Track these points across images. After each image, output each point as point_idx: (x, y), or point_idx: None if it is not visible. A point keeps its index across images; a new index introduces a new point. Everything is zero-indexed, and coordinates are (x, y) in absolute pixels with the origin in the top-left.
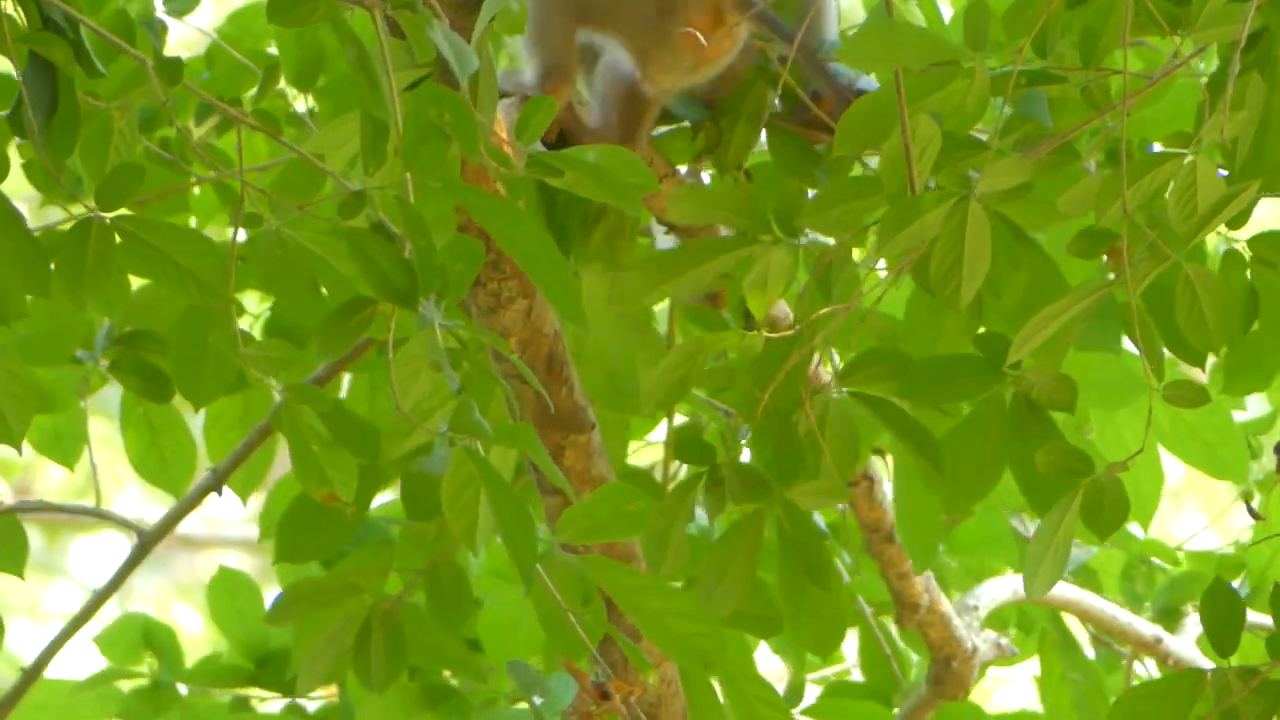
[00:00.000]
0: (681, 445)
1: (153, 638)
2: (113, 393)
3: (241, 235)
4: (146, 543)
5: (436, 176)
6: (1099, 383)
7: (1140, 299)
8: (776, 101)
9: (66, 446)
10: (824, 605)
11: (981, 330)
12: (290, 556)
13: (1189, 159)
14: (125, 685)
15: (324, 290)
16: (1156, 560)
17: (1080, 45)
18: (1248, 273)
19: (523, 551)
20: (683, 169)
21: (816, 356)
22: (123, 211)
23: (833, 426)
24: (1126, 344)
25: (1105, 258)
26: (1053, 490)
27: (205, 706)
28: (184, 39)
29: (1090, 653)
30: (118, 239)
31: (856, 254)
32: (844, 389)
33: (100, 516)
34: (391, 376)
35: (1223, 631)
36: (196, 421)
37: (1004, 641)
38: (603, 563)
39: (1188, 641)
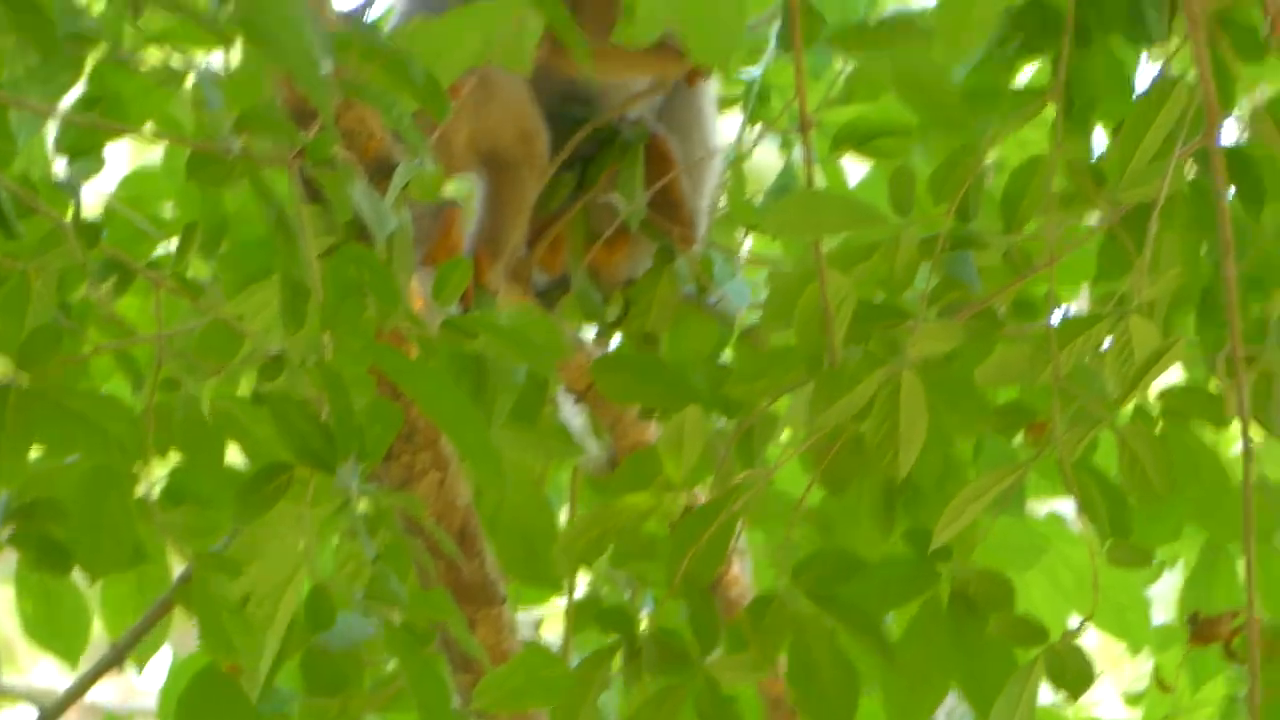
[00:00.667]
0: (599, 613)
1: None
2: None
3: None
4: (48, 716)
5: (355, 337)
6: (1005, 547)
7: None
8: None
9: None
10: None
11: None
12: None
13: (1123, 316)
14: None
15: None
16: None
17: (1002, 208)
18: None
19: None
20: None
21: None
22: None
23: (816, 646)
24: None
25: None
26: (994, 689)
27: None
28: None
29: None
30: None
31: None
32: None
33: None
34: (305, 545)
35: None
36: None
37: None
38: None
39: None
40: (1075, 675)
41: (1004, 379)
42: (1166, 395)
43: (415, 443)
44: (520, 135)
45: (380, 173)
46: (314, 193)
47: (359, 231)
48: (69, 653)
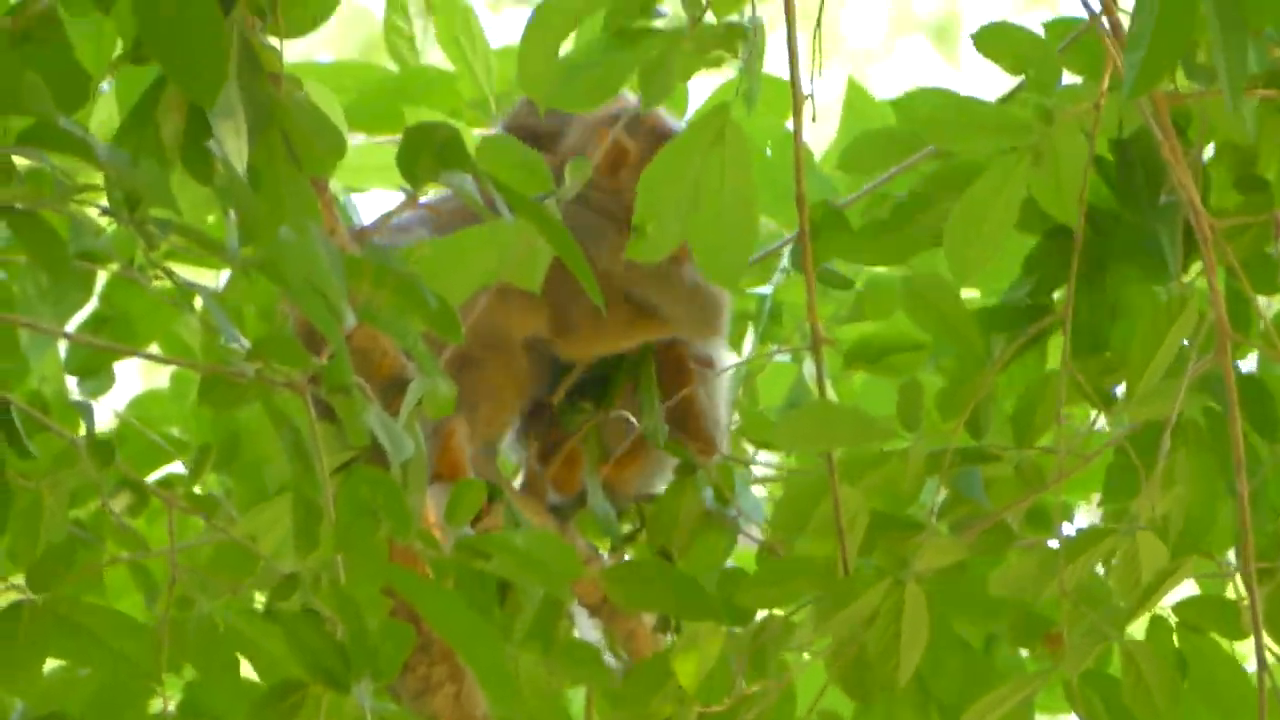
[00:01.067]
0: None
1: None
2: None
3: None
4: None
5: (368, 558)
6: None
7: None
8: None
9: None
10: None
11: None
12: None
13: (1131, 533)
14: None
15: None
16: None
17: (1014, 424)
18: (1174, 638)
19: None
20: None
21: None
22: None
23: None
24: None
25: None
26: None
27: None
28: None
29: None
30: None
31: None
32: None
33: None
34: None
35: None
36: None
37: None
38: None
39: None
40: None
41: (1015, 590)
42: (1182, 607)
43: (431, 655)
44: (487, 343)
45: (393, 390)
46: (327, 410)
47: (372, 450)
48: None
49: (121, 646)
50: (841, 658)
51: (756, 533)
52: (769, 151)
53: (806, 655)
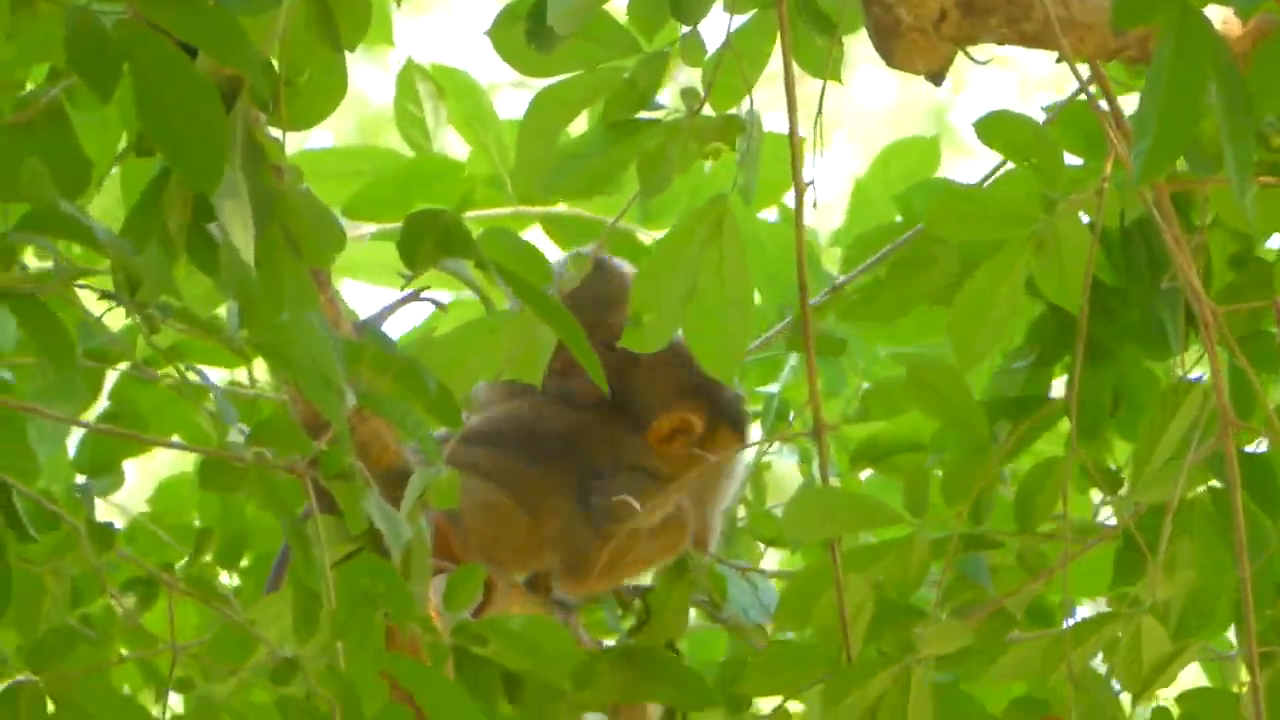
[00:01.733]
0: None
1: None
2: None
3: (174, 701)
4: None
5: (367, 646)
6: None
7: None
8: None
9: None
10: None
11: None
12: None
13: (1134, 618)
14: None
15: None
16: None
17: (1016, 509)
18: None
19: None
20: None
21: None
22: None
23: None
24: None
25: None
26: None
27: None
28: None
29: None
30: (50, 704)
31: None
32: None
33: None
34: None
35: None
36: None
37: None
38: None
39: None
40: None
41: (1018, 675)
42: (1184, 698)
43: None
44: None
45: (394, 482)
46: (329, 502)
47: (375, 539)
48: None
49: None
50: None
51: (757, 627)
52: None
53: None
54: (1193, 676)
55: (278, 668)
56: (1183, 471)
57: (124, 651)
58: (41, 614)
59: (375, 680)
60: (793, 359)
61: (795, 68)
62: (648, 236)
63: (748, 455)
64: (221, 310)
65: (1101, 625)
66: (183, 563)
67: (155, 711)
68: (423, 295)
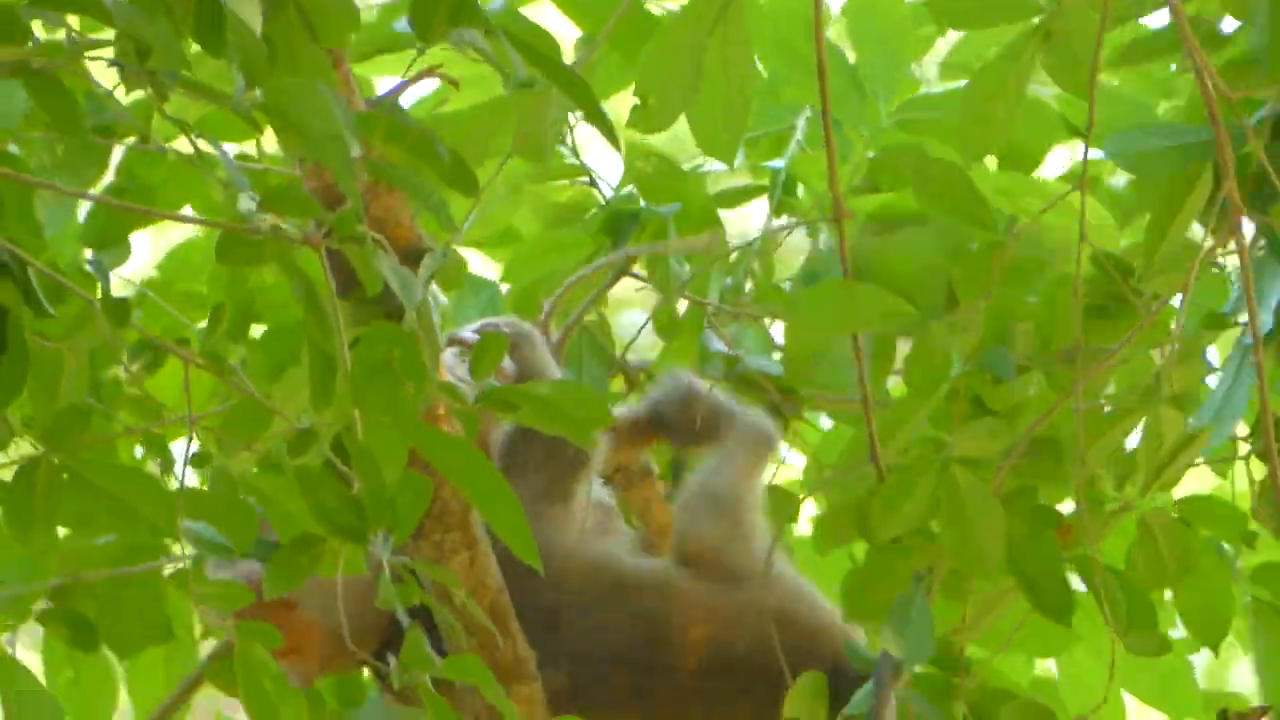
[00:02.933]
0: None
1: None
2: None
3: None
4: None
5: (386, 413)
6: (1036, 633)
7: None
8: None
9: None
10: None
11: None
12: None
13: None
14: None
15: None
16: None
17: (1036, 325)
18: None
19: None
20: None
21: None
22: None
23: None
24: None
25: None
26: None
27: None
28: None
29: None
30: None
31: None
32: None
33: None
34: (342, 614)
35: None
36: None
37: None
38: None
39: None
40: None
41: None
42: (1185, 504)
43: (446, 522)
44: None
45: (408, 260)
46: (344, 284)
47: (389, 315)
48: None
49: (138, 505)
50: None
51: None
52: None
53: None
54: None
55: (294, 438)
56: (1197, 260)
57: (134, 424)
58: (59, 390)
59: (393, 448)
60: (799, 130)
61: None
62: (659, 8)
63: (756, 228)
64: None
65: (1120, 419)
66: (199, 328)
67: (167, 485)
68: (435, 72)
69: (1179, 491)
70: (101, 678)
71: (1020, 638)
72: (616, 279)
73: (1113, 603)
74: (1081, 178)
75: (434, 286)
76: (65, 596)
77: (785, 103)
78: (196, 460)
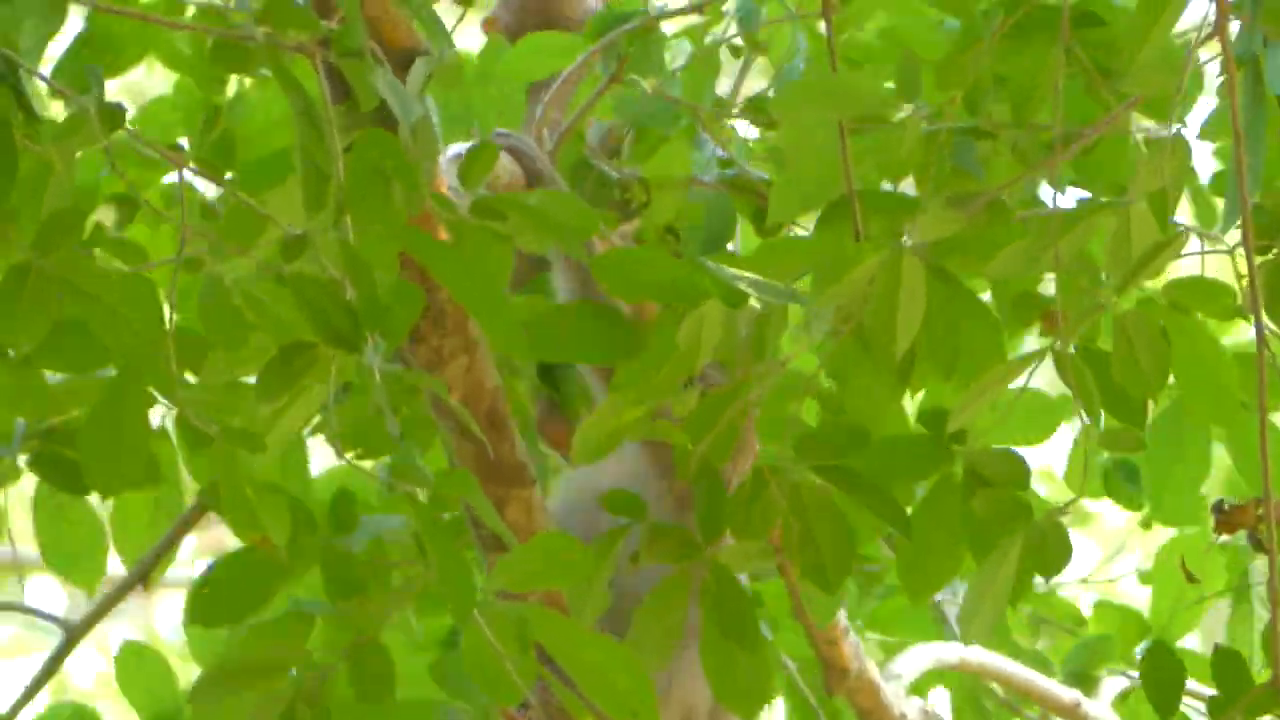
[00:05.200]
0: (613, 500)
1: None
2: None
3: None
4: (73, 637)
5: (378, 220)
6: (1021, 418)
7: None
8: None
9: None
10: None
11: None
12: (210, 617)
13: (1125, 209)
14: None
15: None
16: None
17: (1011, 100)
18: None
19: (459, 597)
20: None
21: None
22: None
23: (813, 510)
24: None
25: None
26: None
27: None
28: None
29: None
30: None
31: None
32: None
33: (25, 611)
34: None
35: (1165, 693)
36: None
37: (930, 708)
38: (541, 612)
39: (1104, 706)
40: (1054, 553)
41: (1012, 271)
42: (1171, 287)
43: (443, 327)
44: None
45: (404, 64)
46: (336, 90)
47: (381, 122)
48: (87, 579)
49: (128, 312)
50: (839, 333)
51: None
52: None
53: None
54: None
55: (287, 243)
56: (1186, 72)
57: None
58: (46, 195)
59: (386, 254)
60: None
61: None
62: None
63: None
64: None
65: (1091, 213)
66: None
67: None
68: None
69: None
70: (90, 532)
71: (1007, 428)
72: (607, 84)
73: (1085, 396)
74: None
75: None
76: (51, 440)
77: None
78: (188, 265)
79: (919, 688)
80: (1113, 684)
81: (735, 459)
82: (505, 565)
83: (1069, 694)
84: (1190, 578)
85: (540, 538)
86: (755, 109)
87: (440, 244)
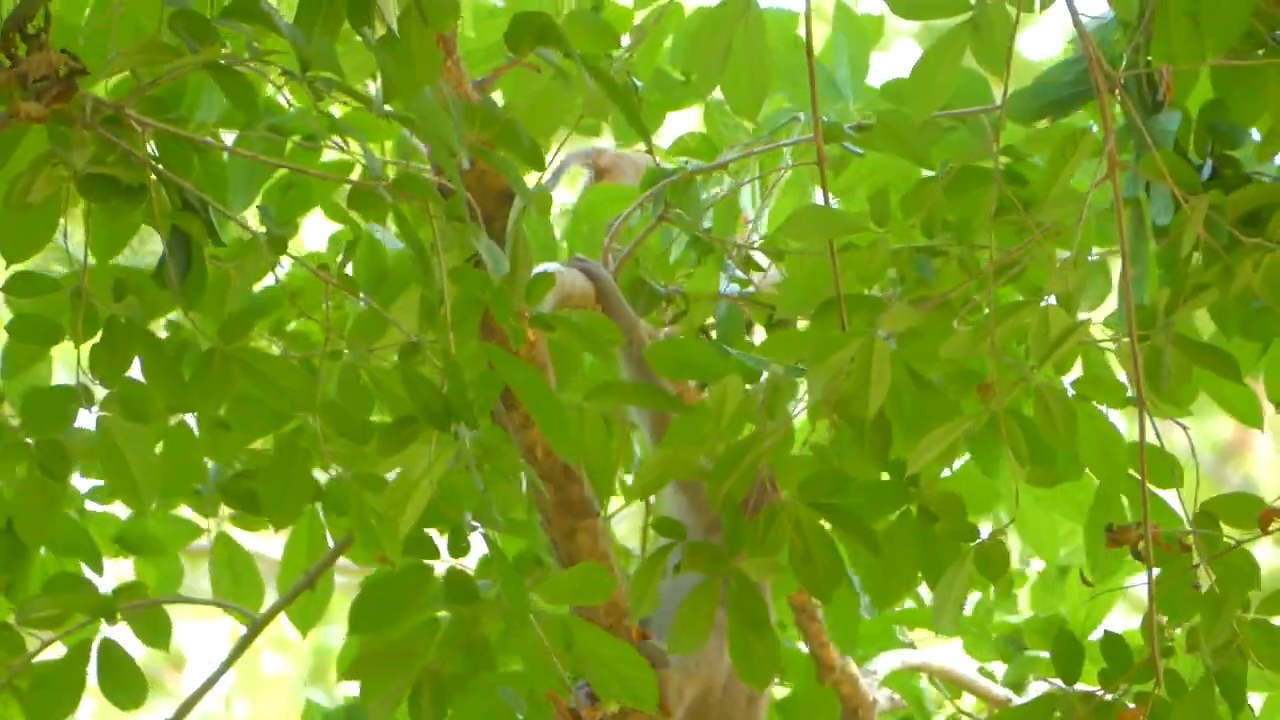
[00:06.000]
0: (660, 526)
1: None
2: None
3: None
4: (259, 626)
5: (472, 337)
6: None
7: (1009, 418)
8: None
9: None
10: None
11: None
12: (365, 624)
13: (1043, 305)
14: None
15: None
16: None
17: (956, 227)
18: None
19: (517, 608)
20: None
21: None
22: None
23: (810, 536)
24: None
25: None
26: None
27: None
28: None
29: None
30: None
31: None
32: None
33: (220, 606)
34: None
35: (1068, 664)
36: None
37: (895, 697)
38: (574, 620)
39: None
40: (995, 565)
41: (959, 352)
42: (1077, 384)
43: None
44: None
45: (504, 200)
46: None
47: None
48: (251, 602)
49: (288, 385)
50: (826, 400)
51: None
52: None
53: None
54: None
55: (404, 348)
56: (1088, 193)
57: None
58: (226, 298)
59: (475, 356)
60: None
61: None
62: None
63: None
64: (371, 86)
65: (1018, 310)
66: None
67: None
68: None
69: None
70: (253, 573)
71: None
72: (656, 223)
73: (1014, 444)
74: (998, 123)
75: None
76: (241, 480)
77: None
78: (331, 355)
79: (889, 681)
80: (1037, 687)
81: (753, 496)
82: (549, 587)
83: (1002, 692)
84: (1086, 582)
85: (581, 567)
86: (767, 243)
87: (513, 357)
